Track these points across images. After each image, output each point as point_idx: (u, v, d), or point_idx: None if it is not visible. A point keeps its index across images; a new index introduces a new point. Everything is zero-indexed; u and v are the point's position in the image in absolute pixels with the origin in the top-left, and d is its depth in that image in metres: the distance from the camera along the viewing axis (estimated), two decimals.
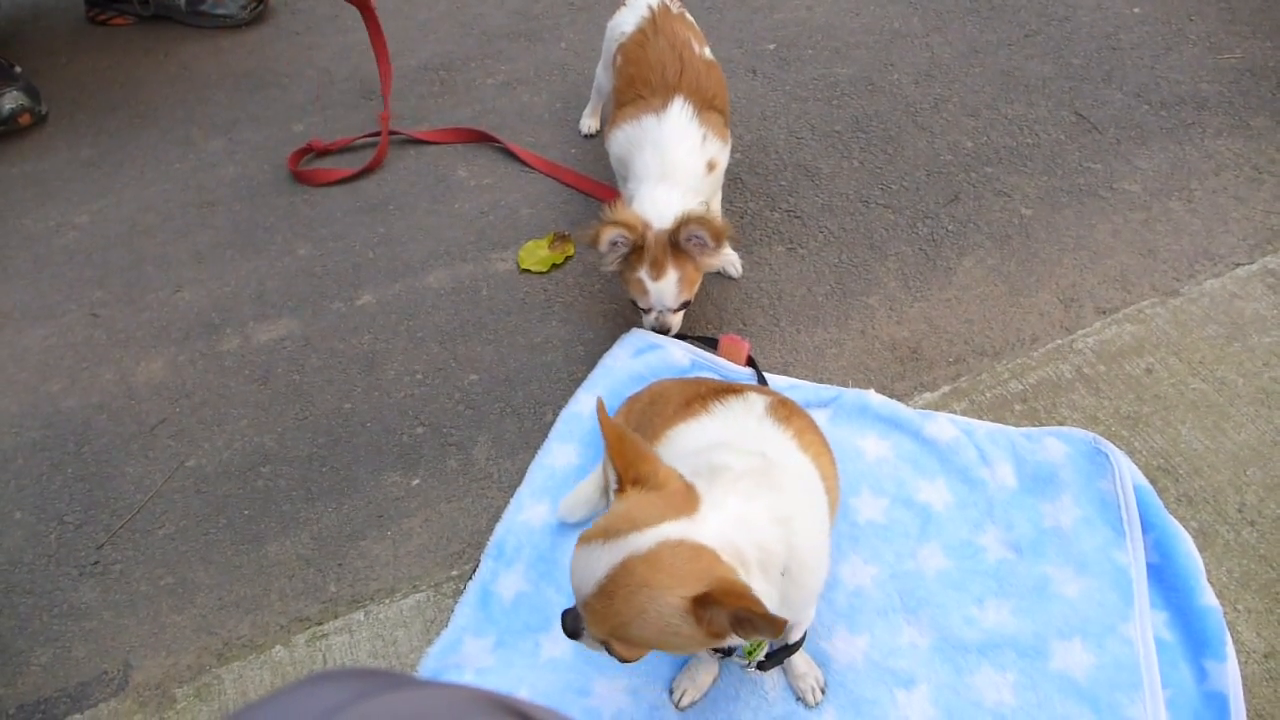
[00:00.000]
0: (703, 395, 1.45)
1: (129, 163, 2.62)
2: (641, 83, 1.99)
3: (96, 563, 1.77)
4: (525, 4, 3.09)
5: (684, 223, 1.78)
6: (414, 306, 2.15)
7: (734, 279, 2.17)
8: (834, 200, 2.32)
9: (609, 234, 1.80)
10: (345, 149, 2.58)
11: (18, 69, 2.76)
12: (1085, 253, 2.17)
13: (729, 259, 2.17)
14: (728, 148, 2.03)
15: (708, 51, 2.11)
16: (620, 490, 1.15)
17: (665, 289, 1.87)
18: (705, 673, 1.49)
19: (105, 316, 2.20)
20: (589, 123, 2.60)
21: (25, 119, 2.72)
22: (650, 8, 2.11)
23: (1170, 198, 2.29)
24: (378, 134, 2.55)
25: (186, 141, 2.67)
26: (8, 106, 2.68)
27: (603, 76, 2.36)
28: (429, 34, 2.98)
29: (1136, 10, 2.90)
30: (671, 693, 1.49)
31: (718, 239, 1.81)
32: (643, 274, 1.85)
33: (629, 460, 1.14)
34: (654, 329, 1.97)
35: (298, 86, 2.84)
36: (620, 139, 1.97)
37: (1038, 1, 2.96)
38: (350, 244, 2.31)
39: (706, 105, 1.98)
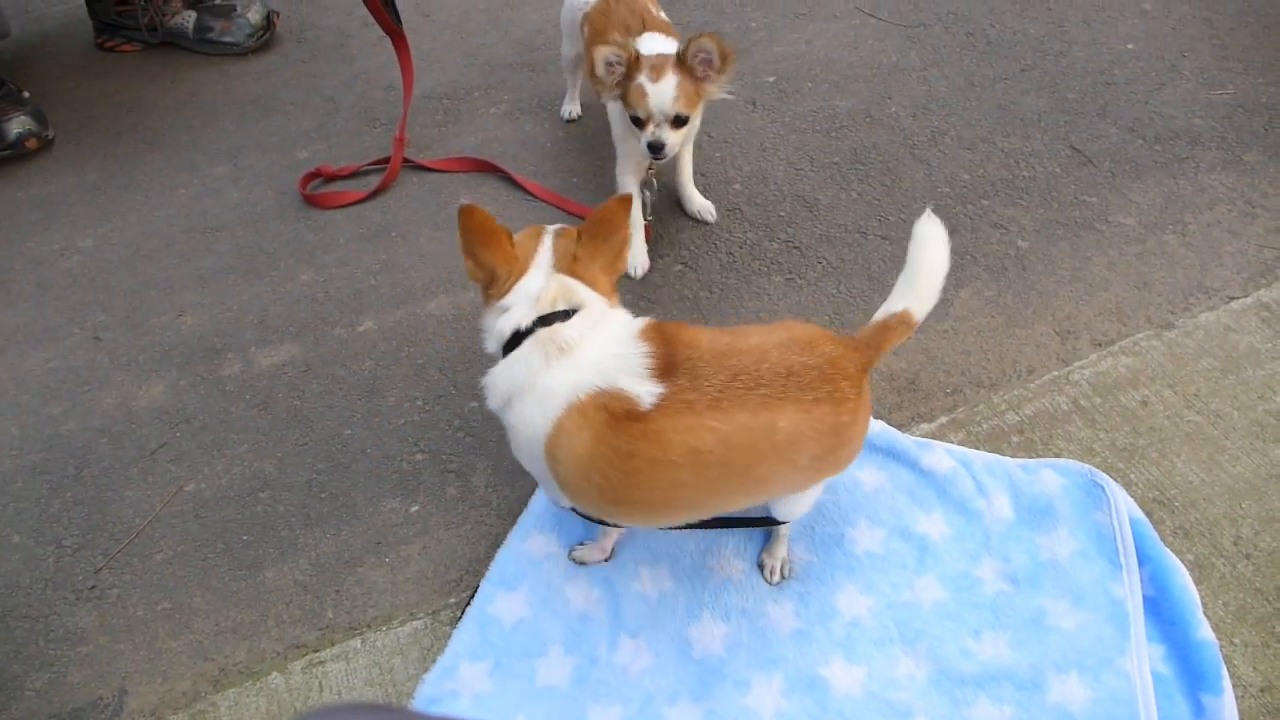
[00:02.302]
0: None
1: (134, 187, 2.65)
2: (610, 34, 2.14)
3: (94, 587, 1.77)
4: (528, 35, 3.13)
5: (695, 38, 1.92)
6: (415, 333, 2.16)
7: (709, 223, 2.38)
8: (832, 231, 2.35)
9: (603, 53, 1.95)
10: (353, 174, 2.61)
11: (26, 94, 2.80)
12: (1081, 285, 2.19)
13: (701, 203, 2.37)
14: (726, 81, 2.11)
15: (664, 15, 2.32)
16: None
17: (664, 90, 1.95)
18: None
19: (107, 340, 2.21)
20: (570, 108, 2.73)
21: (32, 143, 2.74)
22: None
23: (1165, 231, 2.31)
24: (386, 160, 2.58)
25: (191, 167, 2.70)
26: (15, 131, 2.71)
27: (569, 47, 2.55)
28: (434, 64, 3.02)
29: (1130, 46, 2.94)
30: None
31: (725, 58, 1.95)
32: (642, 78, 1.96)
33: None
34: (650, 145, 2.02)
35: (303, 113, 2.87)
36: (599, 59, 2.02)
37: (1033, 37, 3.00)
38: (352, 270, 2.33)
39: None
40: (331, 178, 2.60)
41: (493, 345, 1.48)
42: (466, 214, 1.40)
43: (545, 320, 1.40)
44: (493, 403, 1.47)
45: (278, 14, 3.22)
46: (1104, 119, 2.67)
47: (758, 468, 1.35)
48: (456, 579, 1.72)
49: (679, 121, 2.01)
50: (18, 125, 2.71)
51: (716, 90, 2.05)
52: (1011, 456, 1.84)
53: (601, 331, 1.40)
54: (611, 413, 1.31)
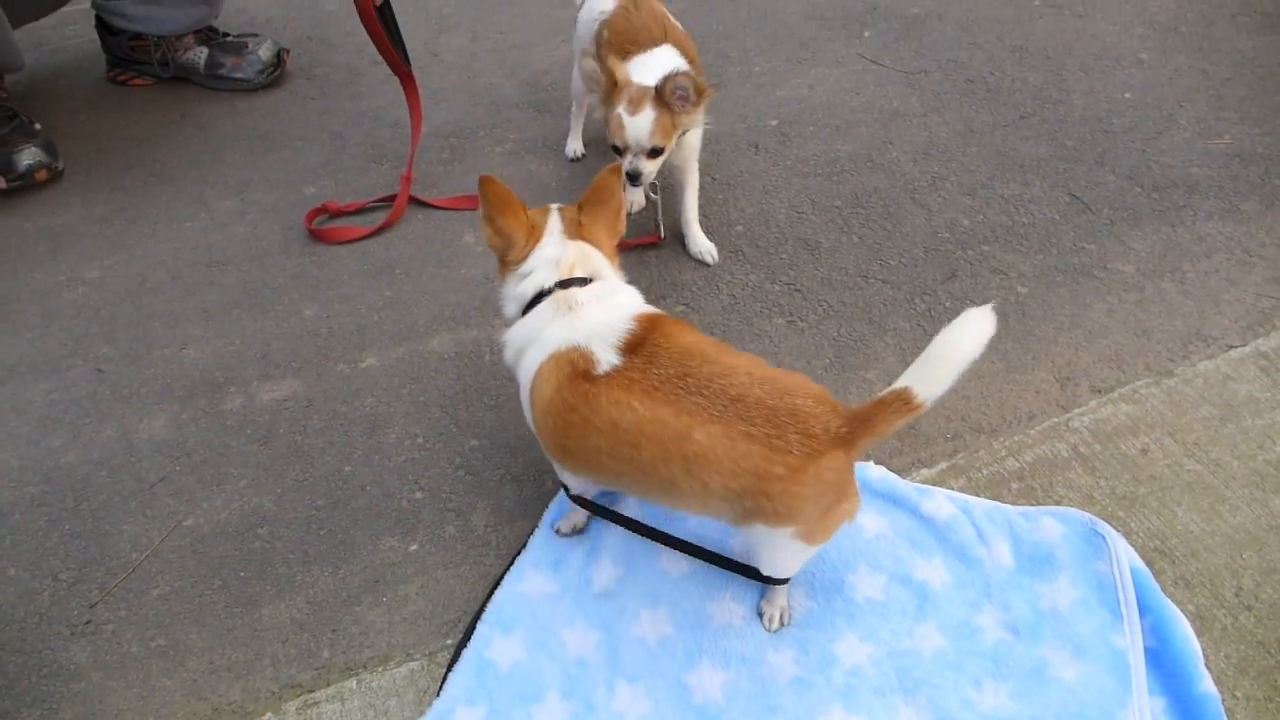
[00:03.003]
0: None
1: (141, 220, 2.67)
2: (630, 42, 2.25)
3: (89, 622, 1.75)
4: (534, 76, 3.18)
5: (671, 76, 2.01)
6: (417, 370, 2.17)
7: (709, 265, 2.40)
8: (834, 274, 2.37)
9: (587, 65, 2.10)
10: (359, 211, 2.63)
11: (37, 126, 2.83)
12: (1080, 331, 2.20)
13: (703, 245, 2.41)
14: (701, 115, 2.19)
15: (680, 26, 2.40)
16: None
17: (640, 124, 2.05)
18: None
19: (110, 372, 2.22)
20: (574, 146, 2.76)
21: (42, 175, 2.77)
22: None
23: (1163, 279, 2.33)
24: (392, 197, 2.61)
25: (199, 201, 2.73)
26: (26, 163, 2.74)
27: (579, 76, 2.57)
28: (441, 102, 3.06)
29: (1128, 95, 2.99)
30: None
31: (700, 93, 2.05)
32: (621, 109, 2.06)
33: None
34: (628, 173, 2.13)
35: (310, 149, 2.90)
36: (585, 70, 2.16)
37: (1032, 85, 3.05)
38: (356, 306, 2.34)
39: (691, 63, 2.24)
40: (337, 213, 2.63)
41: (513, 309, 1.61)
42: (486, 183, 1.56)
43: (565, 284, 1.54)
44: (508, 357, 1.62)
45: (288, 51, 3.27)
46: (1102, 167, 2.70)
47: (663, 467, 1.38)
48: (454, 619, 1.71)
49: (654, 152, 2.12)
50: (28, 157, 2.74)
51: (691, 122, 2.15)
52: (1012, 503, 1.83)
53: (606, 302, 1.53)
54: (574, 368, 1.44)
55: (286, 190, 2.74)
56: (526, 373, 1.53)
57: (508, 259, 1.61)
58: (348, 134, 2.96)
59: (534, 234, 1.60)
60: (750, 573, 1.62)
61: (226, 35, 3.23)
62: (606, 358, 1.43)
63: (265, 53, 3.15)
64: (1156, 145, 2.78)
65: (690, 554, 1.68)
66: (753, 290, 2.33)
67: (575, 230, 1.60)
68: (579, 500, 1.71)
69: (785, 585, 1.62)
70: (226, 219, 2.66)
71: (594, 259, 1.59)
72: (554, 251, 1.57)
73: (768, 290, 2.33)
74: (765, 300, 2.31)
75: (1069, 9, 3.49)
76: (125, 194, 2.77)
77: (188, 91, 3.21)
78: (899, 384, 1.33)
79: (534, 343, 1.52)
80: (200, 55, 3.17)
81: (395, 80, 2.67)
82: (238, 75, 3.16)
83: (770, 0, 3.63)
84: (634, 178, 2.13)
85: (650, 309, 1.55)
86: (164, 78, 3.23)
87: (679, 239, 2.46)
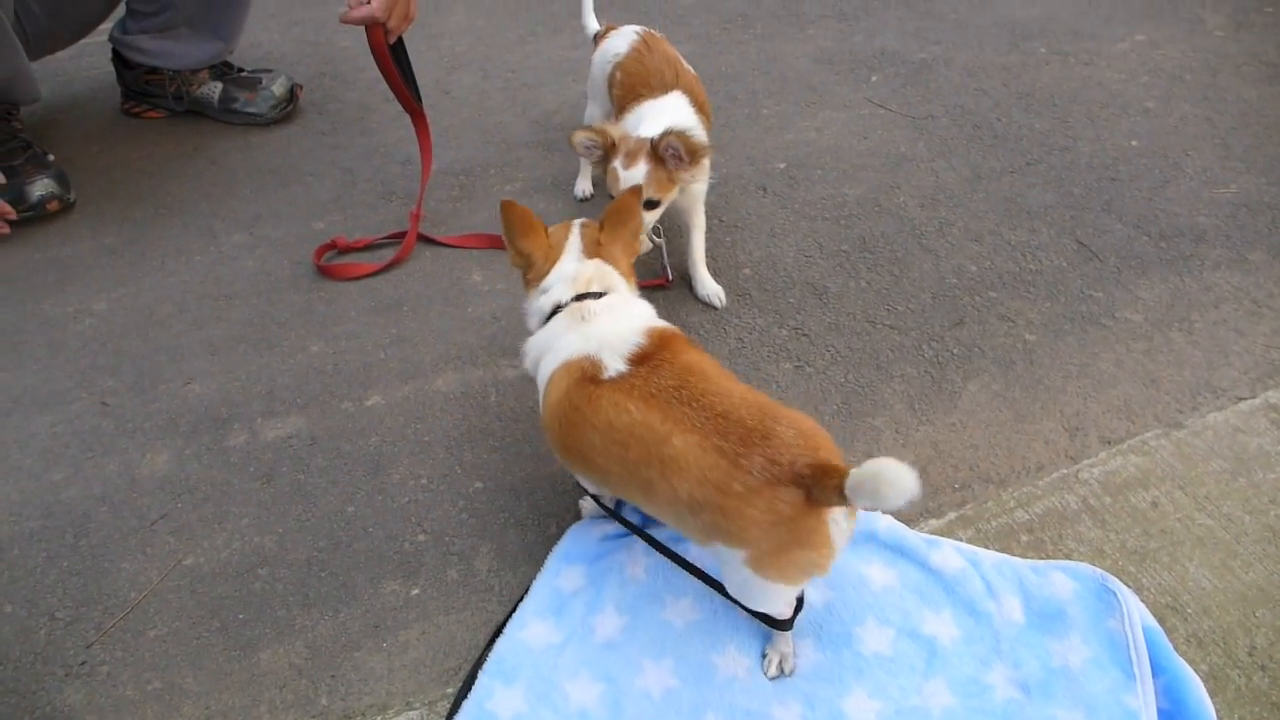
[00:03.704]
0: None
1: (151, 252, 2.68)
2: (643, 85, 2.31)
3: (84, 662, 1.73)
4: (544, 115, 3.21)
5: (666, 134, 2.05)
6: (422, 410, 2.16)
7: (717, 308, 2.42)
8: (841, 319, 2.36)
9: (578, 138, 2.13)
10: (368, 247, 2.64)
11: (51, 157, 2.85)
12: (1089, 381, 2.19)
13: (711, 288, 2.42)
14: (702, 171, 2.22)
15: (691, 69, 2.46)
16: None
17: (634, 177, 2.10)
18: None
19: (114, 405, 2.21)
20: (582, 186, 2.79)
21: (53, 205, 2.79)
22: (638, 33, 2.45)
23: (1171, 328, 2.33)
24: (401, 234, 2.61)
25: (209, 234, 2.74)
26: (38, 193, 2.76)
27: (595, 109, 2.65)
28: (451, 140, 3.09)
29: (1134, 143, 3.01)
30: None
31: (693, 154, 2.07)
32: (616, 163, 2.11)
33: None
34: None
35: (321, 184, 2.92)
36: (578, 141, 2.19)
37: (1039, 131, 3.07)
38: (363, 343, 2.34)
39: (700, 108, 2.32)
40: (346, 249, 2.63)
41: (535, 323, 1.73)
42: (507, 208, 1.71)
43: (580, 298, 1.65)
44: (527, 364, 1.72)
45: (301, 86, 3.30)
46: (1109, 214, 2.71)
47: (644, 469, 1.44)
48: (455, 667, 1.68)
49: (650, 204, 2.14)
50: (40, 188, 2.76)
51: (690, 179, 2.18)
52: (1021, 556, 1.81)
53: (618, 314, 1.63)
54: (583, 374, 1.53)
55: (296, 225, 2.75)
56: (542, 378, 1.64)
57: (528, 277, 1.74)
58: (358, 170, 2.98)
59: (552, 253, 1.71)
60: (754, 611, 1.61)
61: (241, 70, 3.26)
62: (614, 365, 1.52)
63: (279, 88, 3.18)
64: (1163, 193, 2.79)
65: (699, 577, 1.67)
66: (760, 334, 2.33)
67: (594, 249, 1.71)
68: (597, 500, 1.80)
69: (787, 631, 1.60)
70: (235, 253, 2.66)
71: (609, 275, 1.69)
72: (571, 268, 1.69)
73: (775, 334, 2.33)
74: (773, 344, 2.30)
75: (1074, 57, 3.52)
76: (135, 226, 2.78)
77: (201, 124, 3.24)
78: (855, 470, 1.25)
79: (550, 350, 1.63)
80: (215, 90, 3.20)
81: (406, 117, 2.69)
82: (251, 110, 3.19)
83: (779, 44, 3.67)
84: None
85: (664, 324, 1.63)
86: (178, 111, 3.27)
87: (687, 282, 2.46)
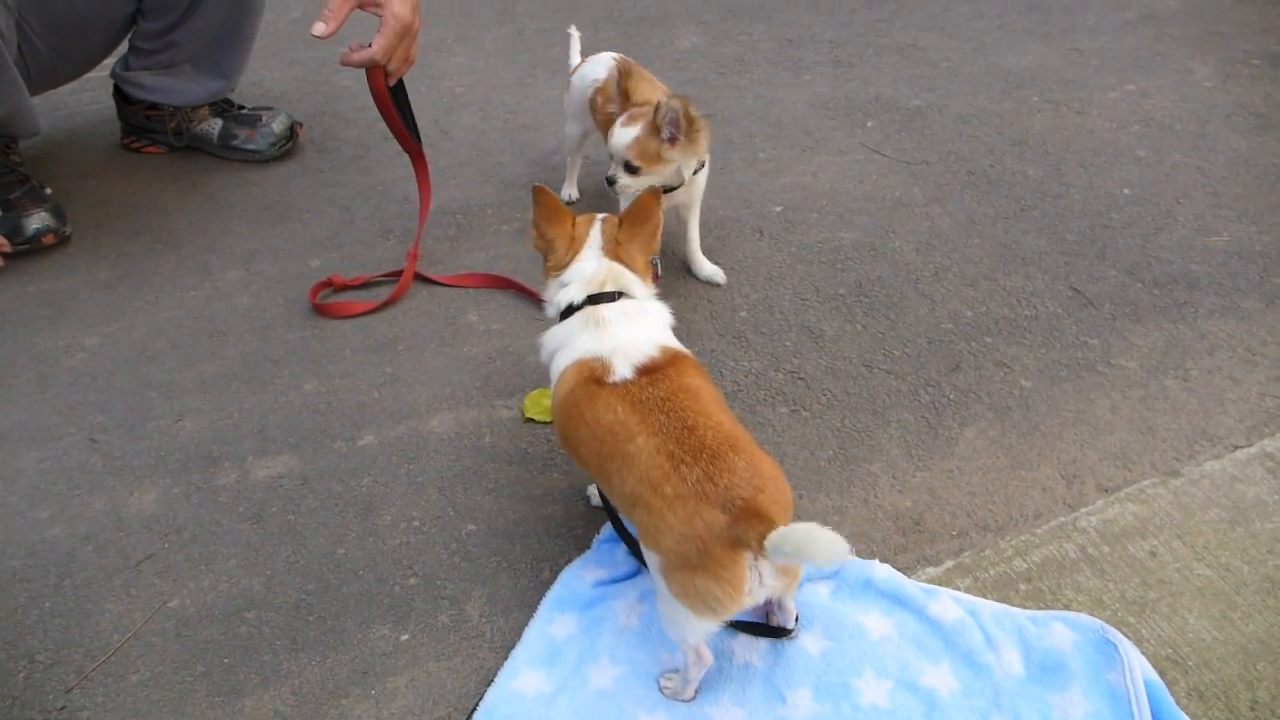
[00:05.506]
0: None
1: (145, 287, 2.67)
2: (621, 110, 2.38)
3: (63, 708, 1.68)
4: (544, 156, 3.23)
5: (666, 100, 2.14)
6: (415, 450, 2.14)
7: (720, 285, 2.58)
8: (837, 363, 2.36)
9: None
10: (364, 285, 2.63)
11: (48, 190, 2.85)
12: (1085, 428, 2.19)
13: (710, 269, 2.58)
14: (694, 154, 2.33)
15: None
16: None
17: (623, 135, 2.24)
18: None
19: (103, 442, 2.19)
20: (568, 191, 2.93)
21: (49, 239, 2.78)
22: (614, 59, 2.54)
23: (1166, 376, 2.33)
24: (397, 273, 2.61)
25: (204, 270, 2.73)
26: (34, 227, 2.75)
27: (574, 127, 2.77)
28: (449, 179, 3.10)
29: (1127, 191, 3.04)
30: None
31: (690, 122, 2.17)
32: (619, 118, 2.27)
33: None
34: (607, 178, 2.34)
35: (318, 222, 2.92)
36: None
37: (1032, 178, 3.11)
38: (356, 382, 2.33)
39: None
40: (342, 287, 2.63)
41: (552, 312, 1.80)
42: (539, 193, 1.80)
43: (594, 299, 1.72)
44: (543, 355, 1.80)
45: (301, 124, 3.32)
46: (1103, 261, 2.73)
47: (609, 462, 1.54)
48: (444, 716, 1.65)
49: (630, 169, 2.26)
50: (37, 221, 2.76)
51: (681, 158, 2.26)
52: (1020, 606, 1.79)
53: (632, 322, 1.70)
54: (591, 374, 1.62)
55: (292, 262, 2.75)
56: (554, 372, 1.74)
57: (549, 264, 1.82)
58: (356, 208, 2.99)
59: (575, 245, 1.79)
60: (752, 629, 1.68)
61: (242, 108, 3.28)
62: (622, 371, 1.61)
63: (279, 125, 3.20)
64: (1156, 241, 2.81)
65: None
66: (756, 378, 2.32)
67: (612, 248, 1.78)
68: (604, 499, 1.83)
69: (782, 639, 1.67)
70: (230, 289, 2.66)
71: (624, 277, 1.76)
72: (588, 267, 1.76)
73: (771, 378, 2.32)
74: (769, 388, 2.30)
75: (1066, 105, 3.58)
76: (130, 260, 2.77)
77: (200, 161, 3.25)
78: (782, 530, 1.30)
79: (564, 348, 1.72)
80: (214, 126, 3.21)
81: (405, 156, 2.71)
82: (251, 147, 3.20)
83: (775, 89, 3.72)
84: (610, 183, 2.34)
85: (680, 348, 1.71)
86: (177, 146, 3.28)
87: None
